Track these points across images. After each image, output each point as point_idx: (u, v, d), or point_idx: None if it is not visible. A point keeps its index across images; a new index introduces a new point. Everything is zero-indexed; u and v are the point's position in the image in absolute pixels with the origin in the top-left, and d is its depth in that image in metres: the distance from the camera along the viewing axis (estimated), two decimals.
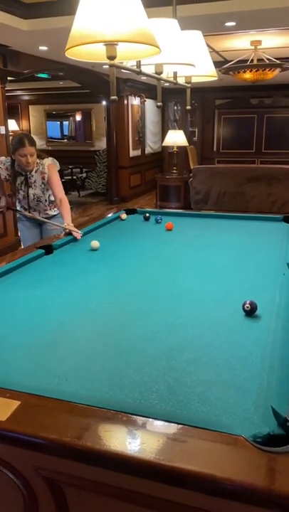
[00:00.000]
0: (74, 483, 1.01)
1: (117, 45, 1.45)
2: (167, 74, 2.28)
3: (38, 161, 3.09)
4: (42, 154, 3.17)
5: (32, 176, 3.12)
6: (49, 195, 3.20)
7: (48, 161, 3.11)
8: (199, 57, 2.28)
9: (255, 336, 1.50)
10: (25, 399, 1.11)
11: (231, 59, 6.37)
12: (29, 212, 3.25)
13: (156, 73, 1.99)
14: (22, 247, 3.17)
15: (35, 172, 3.11)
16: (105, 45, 1.45)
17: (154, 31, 1.53)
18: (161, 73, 2.00)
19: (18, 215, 3.51)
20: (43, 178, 3.11)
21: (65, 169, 10.16)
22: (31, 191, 3.17)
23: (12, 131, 11.29)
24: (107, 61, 1.48)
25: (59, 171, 3.22)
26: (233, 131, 10.36)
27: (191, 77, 2.41)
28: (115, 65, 1.51)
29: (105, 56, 1.47)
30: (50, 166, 3.09)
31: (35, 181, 3.14)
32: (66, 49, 1.48)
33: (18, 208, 3.33)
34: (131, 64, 1.85)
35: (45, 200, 3.21)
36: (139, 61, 1.78)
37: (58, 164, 3.19)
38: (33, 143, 3.02)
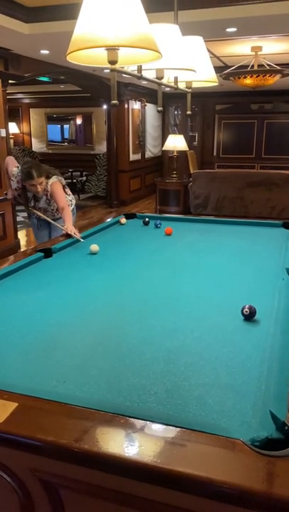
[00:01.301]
0: (71, 486, 1.00)
1: (118, 49, 1.45)
2: (168, 79, 2.29)
3: (45, 181, 3.32)
4: (50, 173, 3.38)
5: (38, 194, 3.43)
6: (54, 205, 3.47)
7: (53, 179, 3.36)
8: (200, 63, 2.29)
9: (254, 340, 1.51)
10: (22, 401, 1.11)
11: (232, 64, 6.39)
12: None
13: (157, 78, 2.00)
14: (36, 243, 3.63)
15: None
16: (107, 49, 1.45)
17: (155, 36, 1.54)
18: (162, 78, 2.01)
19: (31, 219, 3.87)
20: (46, 195, 3.41)
21: (65, 172, 10.17)
22: (38, 204, 3.51)
23: (13, 134, 11.34)
24: (109, 65, 1.49)
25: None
26: (233, 137, 10.38)
27: (191, 82, 2.42)
28: (116, 69, 1.51)
29: (106, 61, 1.47)
30: (53, 184, 3.34)
31: (41, 197, 3.45)
32: (68, 53, 1.48)
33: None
34: (132, 69, 1.85)
35: (52, 210, 3.52)
36: (140, 66, 1.79)
37: (62, 180, 3.47)
38: (41, 173, 3.26)
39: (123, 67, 1.69)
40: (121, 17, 1.39)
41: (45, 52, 5.49)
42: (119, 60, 1.48)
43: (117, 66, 1.49)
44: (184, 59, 1.94)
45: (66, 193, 3.54)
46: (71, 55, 1.50)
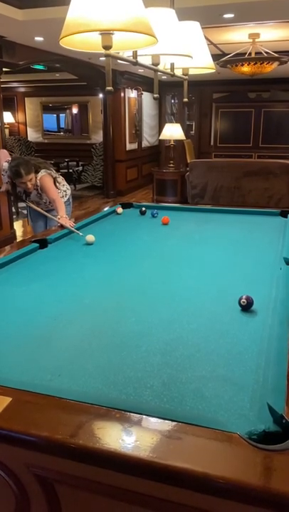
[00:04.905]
0: (66, 482, 0.99)
1: (112, 34, 1.42)
2: (164, 65, 2.24)
3: (35, 176, 3.28)
4: (39, 167, 3.33)
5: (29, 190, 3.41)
6: (46, 198, 3.43)
7: (42, 173, 3.31)
8: (197, 49, 2.24)
9: (252, 331, 1.49)
10: (16, 395, 1.09)
11: (229, 52, 6.30)
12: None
13: (153, 64, 1.95)
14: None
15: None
16: (101, 34, 1.41)
17: (150, 21, 1.49)
18: (158, 64, 1.96)
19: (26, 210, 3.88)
20: (36, 190, 3.37)
21: (61, 162, 10.08)
22: (29, 198, 3.48)
23: (8, 124, 11.21)
24: (103, 51, 1.45)
25: (56, 164, 3.44)
26: (231, 125, 10.30)
27: (188, 68, 2.37)
28: (111, 55, 1.47)
29: (101, 46, 1.43)
30: (42, 177, 3.31)
31: (31, 192, 3.41)
32: (61, 38, 1.44)
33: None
34: (127, 54, 1.81)
35: (44, 202, 3.48)
36: (136, 51, 1.74)
37: (52, 173, 3.42)
38: (29, 170, 3.22)
39: (118, 53, 1.65)
40: (115, 0, 1.35)
41: (39, 39, 5.39)
42: (113, 46, 1.44)
43: (111, 51, 1.45)
44: (181, 44, 1.89)
45: (60, 184, 3.51)
46: (64, 39, 1.46)
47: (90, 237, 2.54)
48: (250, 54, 5.81)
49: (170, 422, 1.00)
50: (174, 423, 1.00)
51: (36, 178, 3.28)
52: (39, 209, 3.42)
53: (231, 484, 0.84)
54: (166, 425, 1.00)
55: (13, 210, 4.12)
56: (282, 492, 0.81)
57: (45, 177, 3.31)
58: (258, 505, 0.83)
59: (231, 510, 0.86)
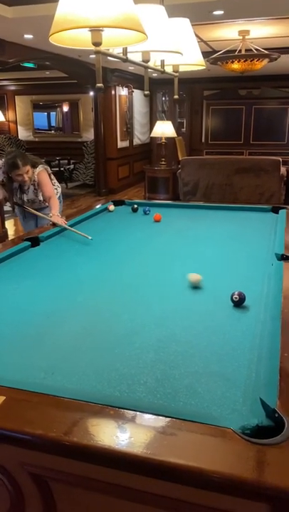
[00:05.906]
0: (61, 479, 0.99)
1: (102, 30, 1.41)
2: (154, 62, 2.24)
3: (32, 170, 3.27)
4: (36, 162, 3.34)
5: (25, 183, 3.37)
6: (41, 196, 3.43)
7: (39, 168, 3.33)
8: (187, 46, 2.24)
9: (244, 327, 1.50)
10: (10, 394, 1.09)
11: (219, 49, 6.30)
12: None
13: (143, 61, 1.95)
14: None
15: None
16: (90, 30, 1.41)
17: (140, 17, 1.49)
18: (148, 61, 1.96)
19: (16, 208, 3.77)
20: (34, 185, 3.38)
21: (52, 161, 10.03)
22: (25, 197, 3.45)
23: None
24: (93, 48, 1.44)
25: (47, 163, 3.56)
26: (222, 123, 10.32)
27: (178, 65, 2.37)
28: (101, 51, 1.47)
29: (91, 43, 1.43)
30: (40, 173, 3.32)
31: (28, 188, 3.40)
32: (50, 34, 1.43)
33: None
34: (117, 51, 1.80)
35: (39, 201, 3.48)
36: (126, 48, 1.74)
37: (48, 168, 3.46)
38: (26, 162, 3.19)
39: (108, 50, 1.65)
40: None
41: (29, 36, 5.35)
42: (104, 42, 1.43)
43: (101, 48, 1.44)
44: (171, 41, 1.89)
45: (52, 180, 3.51)
46: (54, 36, 1.45)
47: (196, 277, 1.87)
48: (240, 51, 5.81)
49: (164, 418, 1.00)
50: (168, 419, 1.00)
51: (34, 172, 3.28)
52: (31, 210, 3.40)
53: (225, 478, 0.84)
54: (160, 421, 1.00)
55: (10, 206, 4.02)
56: (275, 485, 0.82)
57: (43, 172, 3.32)
58: (252, 498, 0.84)
59: (226, 504, 0.87)
